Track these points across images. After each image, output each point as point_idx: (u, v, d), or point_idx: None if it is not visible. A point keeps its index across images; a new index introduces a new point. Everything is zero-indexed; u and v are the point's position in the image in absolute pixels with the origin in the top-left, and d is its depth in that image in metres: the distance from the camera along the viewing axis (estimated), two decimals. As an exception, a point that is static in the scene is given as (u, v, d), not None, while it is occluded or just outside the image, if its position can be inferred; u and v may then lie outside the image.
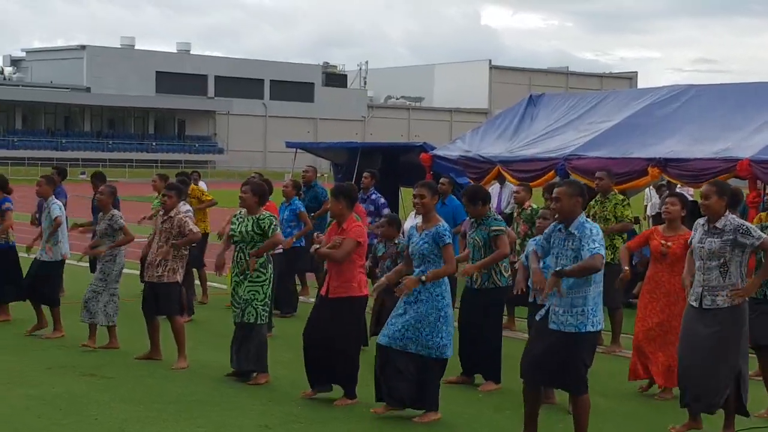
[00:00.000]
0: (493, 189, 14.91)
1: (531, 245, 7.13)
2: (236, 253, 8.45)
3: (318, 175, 14.85)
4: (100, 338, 9.82)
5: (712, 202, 6.97)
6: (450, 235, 7.42)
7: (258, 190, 8.54)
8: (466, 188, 8.94)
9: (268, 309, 8.57)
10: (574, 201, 6.50)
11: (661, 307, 8.20)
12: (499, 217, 8.86)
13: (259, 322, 8.41)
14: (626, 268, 8.19)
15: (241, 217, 8.52)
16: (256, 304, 8.38)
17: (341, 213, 7.77)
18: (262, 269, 8.42)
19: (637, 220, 14.93)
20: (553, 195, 6.61)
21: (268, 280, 8.46)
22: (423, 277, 7.29)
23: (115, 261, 9.77)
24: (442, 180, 12.68)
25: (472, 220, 8.57)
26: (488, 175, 14.96)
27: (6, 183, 11.35)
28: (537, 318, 6.65)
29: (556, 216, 6.68)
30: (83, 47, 78.53)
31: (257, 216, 8.45)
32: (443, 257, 7.34)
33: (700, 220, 7.11)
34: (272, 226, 8.42)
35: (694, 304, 7.06)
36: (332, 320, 7.72)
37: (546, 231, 6.77)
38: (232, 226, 8.51)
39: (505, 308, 9.68)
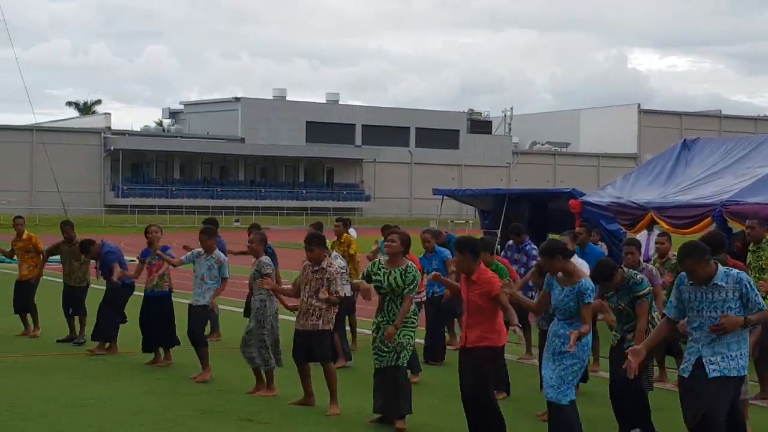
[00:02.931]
0: (641, 236, 14.58)
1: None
2: (386, 304, 8.55)
3: (462, 221, 14.87)
4: (247, 382, 10.07)
5: None
6: (592, 293, 7.35)
7: (406, 240, 8.66)
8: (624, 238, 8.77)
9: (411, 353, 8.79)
10: (704, 263, 6.43)
11: None
12: (641, 278, 8.46)
13: (405, 364, 8.61)
14: None
15: (384, 267, 8.56)
16: (410, 349, 8.59)
17: (468, 266, 7.77)
18: (414, 316, 8.67)
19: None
20: (686, 270, 6.48)
21: (416, 326, 8.72)
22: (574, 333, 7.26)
23: (266, 306, 10.02)
24: (578, 229, 12.46)
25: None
26: (641, 221, 14.65)
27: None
28: (684, 375, 6.51)
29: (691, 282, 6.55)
30: (238, 99, 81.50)
31: (404, 267, 8.51)
32: (581, 315, 7.30)
33: None
34: (412, 285, 8.46)
35: None
36: (474, 370, 7.75)
37: (676, 294, 6.62)
38: (377, 277, 8.55)
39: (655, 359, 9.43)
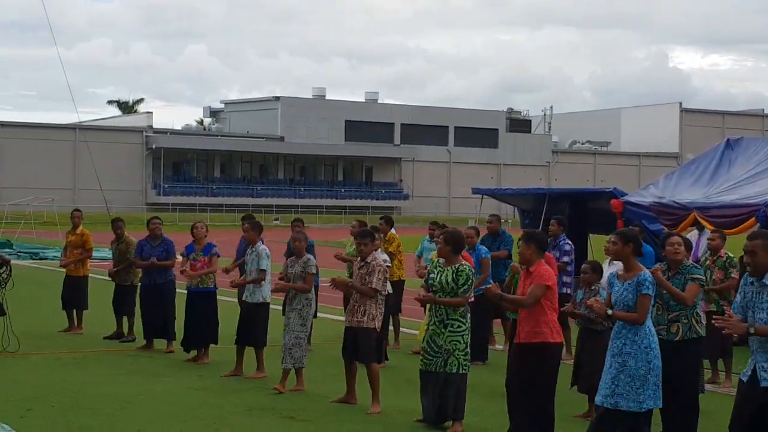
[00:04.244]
0: (691, 236, 14.45)
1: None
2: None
3: (502, 220, 14.86)
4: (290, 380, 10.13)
5: None
6: (651, 286, 7.17)
7: (451, 239, 8.56)
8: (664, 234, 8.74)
9: (468, 358, 8.54)
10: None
11: None
12: (698, 266, 8.58)
13: (461, 371, 8.41)
14: None
15: (440, 266, 8.57)
16: (458, 354, 8.39)
17: (530, 258, 7.78)
18: (462, 319, 8.45)
19: None
20: (748, 249, 6.33)
21: (467, 330, 8.49)
22: (610, 311, 7.16)
23: (311, 305, 10.10)
24: (630, 228, 12.42)
25: (665, 267, 8.29)
26: (683, 221, 14.52)
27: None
28: (743, 379, 6.35)
29: (748, 269, 6.35)
30: (277, 98, 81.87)
31: (457, 267, 8.48)
32: (637, 305, 7.07)
33: None
34: (467, 285, 8.42)
35: None
36: (525, 367, 7.70)
37: (740, 293, 6.41)
38: (431, 275, 8.56)
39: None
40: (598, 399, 7.16)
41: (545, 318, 7.73)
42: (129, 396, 9.59)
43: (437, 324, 8.42)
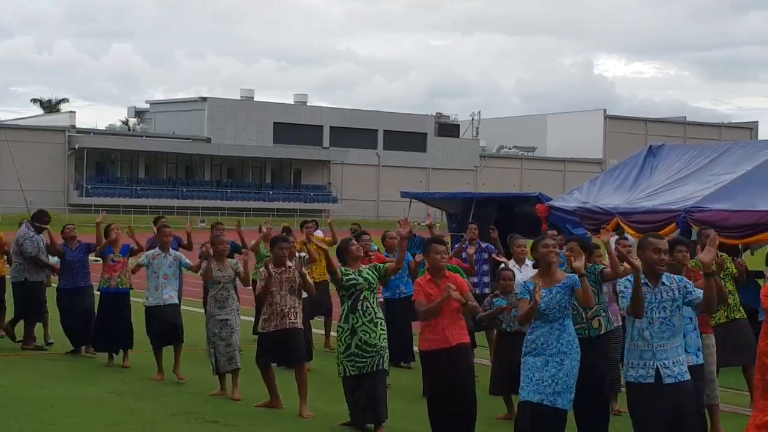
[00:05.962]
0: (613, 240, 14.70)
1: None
2: (361, 303, 8.39)
3: (434, 224, 14.92)
4: (210, 383, 10.13)
5: None
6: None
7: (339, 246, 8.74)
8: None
9: None
10: None
11: None
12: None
13: (387, 367, 8.50)
14: None
15: (349, 269, 8.49)
16: (387, 350, 8.47)
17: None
18: (384, 316, 8.61)
19: (761, 275, 14.49)
20: (666, 248, 6.56)
21: None
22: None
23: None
24: (550, 232, 12.58)
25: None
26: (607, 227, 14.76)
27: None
28: (647, 381, 6.42)
29: (662, 267, 6.52)
30: (204, 99, 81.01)
31: (369, 265, 8.70)
32: (586, 294, 7.21)
33: None
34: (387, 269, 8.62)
35: None
36: (464, 368, 7.85)
37: (624, 286, 6.51)
38: (349, 276, 8.43)
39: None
40: (533, 397, 7.08)
41: (463, 319, 8.00)
42: (52, 400, 9.40)
43: (368, 324, 8.35)
